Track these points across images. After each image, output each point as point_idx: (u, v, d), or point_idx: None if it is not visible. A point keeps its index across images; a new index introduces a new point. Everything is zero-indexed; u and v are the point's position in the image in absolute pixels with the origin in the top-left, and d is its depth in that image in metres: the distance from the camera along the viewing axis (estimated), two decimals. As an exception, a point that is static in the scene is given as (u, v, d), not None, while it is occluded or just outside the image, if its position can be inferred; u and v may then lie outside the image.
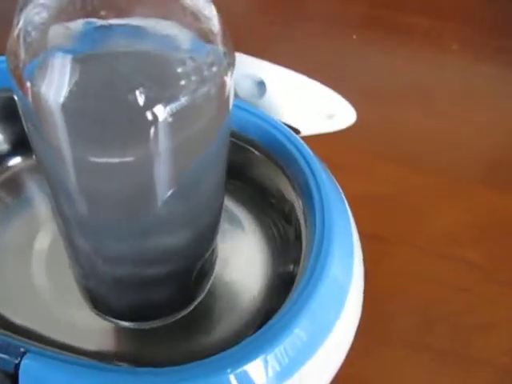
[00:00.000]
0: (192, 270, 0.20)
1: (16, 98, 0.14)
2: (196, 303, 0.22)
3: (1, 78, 0.24)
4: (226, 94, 0.15)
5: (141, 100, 0.12)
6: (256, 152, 0.23)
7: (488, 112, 0.37)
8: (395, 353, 0.24)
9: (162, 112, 0.13)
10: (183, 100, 0.13)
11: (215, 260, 0.22)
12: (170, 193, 0.15)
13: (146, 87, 0.12)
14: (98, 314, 0.21)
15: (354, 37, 0.43)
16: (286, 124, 0.23)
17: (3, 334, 0.17)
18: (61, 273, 0.22)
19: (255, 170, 0.24)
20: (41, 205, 0.26)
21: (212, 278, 0.22)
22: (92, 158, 0.14)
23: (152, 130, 0.13)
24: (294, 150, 0.21)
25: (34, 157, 0.16)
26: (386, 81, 0.39)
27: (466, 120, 0.37)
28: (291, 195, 0.22)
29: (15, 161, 0.27)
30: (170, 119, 0.13)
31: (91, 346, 0.20)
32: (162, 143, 0.14)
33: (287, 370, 0.17)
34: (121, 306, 0.21)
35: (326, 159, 0.23)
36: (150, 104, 0.13)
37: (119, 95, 0.12)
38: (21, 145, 0.26)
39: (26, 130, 0.15)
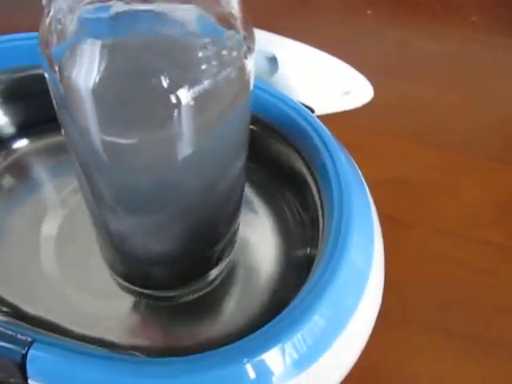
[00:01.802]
0: (217, 238, 0.20)
1: (48, 82, 0.15)
2: (216, 281, 0.22)
3: (5, 58, 0.24)
4: (247, 76, 0.15)
5: (165, 84, 0.13)
6: (269, 132, 0.23)
7: (509, 86, 0.36)
8: (414, 337, 0.24)
9: (185, 95, 0.13)
10: (206, 83, 0.14)
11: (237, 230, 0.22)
12: (193, 173, 0.16)
13: (170, 71, 0.13)
14: (124, 287, 0.21)
15: (369, 12, 0.42)
16: (299, 102, 0.22)
17: (11, 323, 0.17)
18: (70, 258, 0.22)
19: (268, 151, 0.24)
20: (47, 188, 0.26)
21: (234, 258, 0.22)
22: (119, 139, 0.14)
23: (176, 113, 0.14)
24: (310, 130, 0.20)
25: (62, 132, 0.16)
26: (402, 56, 0.38)
27: (486, 96, 0.36)
28: (307, 177, 0.21)
29: (21, 143, 0.26)
30: (192, 102, 0.14)
31: (102, 333, 0.20)
32: (186, 125, 0.14)
33: (305, 359, 0.16)
34: (149, 273, 0.21)
35: (341, 139, 0.22)
36: (173, 87, 0.13)
37: (144, 79, 0.13)
38: (26, 127, 0.26)
39: (56, 111, 0.15)
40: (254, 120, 0.22)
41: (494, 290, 0.26)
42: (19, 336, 0.15)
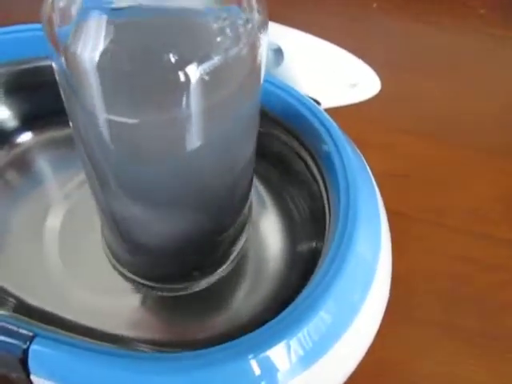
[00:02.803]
0: (225, 228, 0.20)
1: (53, 64, 0.14)
2: (221, 273, 0.21)
3: (7, 50, 0.24)
4: (259, 55, 0.15)
5: (174, 60, 0.13)
6: (274, 125, 0.22)
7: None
8: (421, 333, 0.24)
9: (194, 72, 0.13)
10: (216, 59, 0.13)
11: (248, 226, 0.22)
12: (201, 156, 0.15)
13: (179, 47, 0.13)
14: (130, 278, 0.21)
15: (375, 5, 0.41)
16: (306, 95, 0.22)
17: (12, 317, 0.17)
18: (73, 252, 0.22)
19: (273, 144, 0.23)
20: (51, 182, 0.25)
21: (244, 241, 0.22)
22: (126, 119, 0.14)
23: (185, 90, 0.13)
24: (316, 123, 0.20)
25: (70, 123, 0.16)
26: (408, 49, 0.38)
27: (495, 89, 0.35)
28: (313, 169, 0.21)
29: (24, 137, 0.26)
30: (202, 79, 0.13)
31: (105, 327, 0.20)
32: (195, 104, 0.14)
33: (311, 355, 0.16)
34: (155, 265, 0.21)
35: (347, 132, 0.22)
36: (183, 64, 0.13)
37: (153, 55, 0.13)
38: (30, 121, 0.26)
39: (62, 95, 0.15)
40: (262, 112, 0.22)
41: (502, 286, 0.25)
42: (21, 330, 0.15)
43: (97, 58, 0.13)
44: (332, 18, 0.40)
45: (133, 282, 0.21)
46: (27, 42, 0.24)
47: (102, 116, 0.14)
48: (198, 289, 0.21)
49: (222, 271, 0.21)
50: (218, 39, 0.13)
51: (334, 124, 0.20)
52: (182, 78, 0.13)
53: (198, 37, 0.13)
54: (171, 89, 0.13)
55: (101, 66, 0.13)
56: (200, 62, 0.13)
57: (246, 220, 0.22)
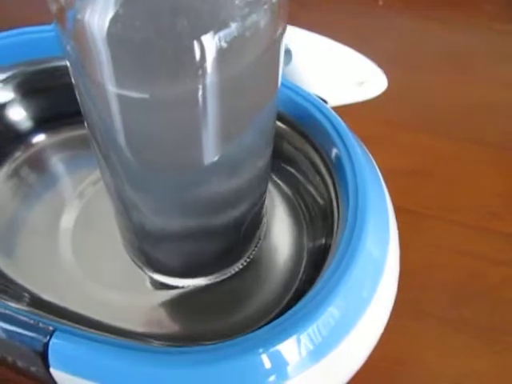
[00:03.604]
0: (241, 224, 0.19)
1: (63, 49, 0.14)
2: (240, 265, 0.21)
3: (20, 51, 0.24)
4: (279, 28, 0.14)
5: (188, 28, 0.12)
6: (280, 123, 0.22)
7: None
8: (430, 329, 0.24)
9: (210, 41, 0.12)
10: (233, 27, 0.12)
11: (263, 223, 0.22)
12: (217, 136, 0.15)
13: (194, 15, 0.12)
14: (145, 270, 0.21)
15: (380, 3, 0.41)
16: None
17: (32, 313, 0.17)
18: (88, 249, 0.23)
19: (281, 142, 0.23)
20: (65, 181, 0.26)
21: (262, 233, 0.22)
22: (137, 93, 0.13)
23: (199, 60, 0.12)
24: (324, 121, 0.20)
25: (82, 111, 0.16)
26: (414, 47, 0.38)
27: (500, 84, 0.35)
28: (320, 167, 0.21)
29: (39, 138, 0.27)
30: (219, 48, 0.12)
31: (119, 322, 0.20)
32: (211, 76, 0.13)
33: (321, 350, 0.16)
34: (170, 260, 0.21)
35: (354, 131, 0.22)
36: (197, 33, 0.12)
37: (165, 24, 0.12)
38: (44, 122, 0.26)
39: (73, 81, 0.14)
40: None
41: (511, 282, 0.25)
42: (41, 324, 0.16)
43: (106, 26, 0.12)
44: (337, 16, 0.40)
45: (149, 277, 0.21)
46: (42, 43, 0.24)
47: (111, 91, 0.13)
48: (210, 283, 0.21)
49: (236, 267, 0.22)
50: (236, 3, 0.12)
51: (341, 121, 0.21)
52: (197, 47, 0.12)
53: (215, 1, 0.12)
54: (185, 59, 0.12)
55: (110, 34, 0.12)
56: (217, 30, 0.12)
57: (262, 214, 0.21)
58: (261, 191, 0.20)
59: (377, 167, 0.21)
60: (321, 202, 0.22)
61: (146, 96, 0.13)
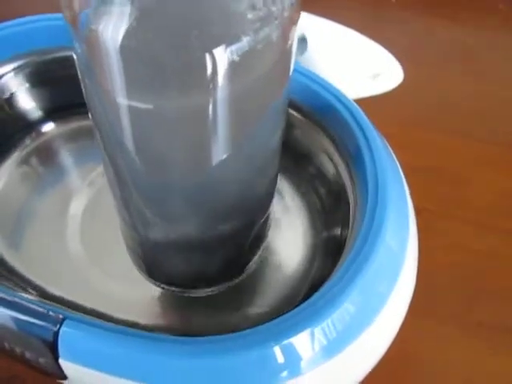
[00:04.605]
0: (248, 235, 0.19)
1: (74, 50, 0.14)
2: (245, 274, 0.21)
3: (30, 40, 0.24)
4: (290, 39, 0.14)
5: (200, 42, 0.12)
6: (295, 113, 0.22)
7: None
8: (444, 328, 0.23)
9: (222, 54, 0.12)
10: (245, 41, 0.12)
11: (269, 227, 0.21)
12: (227, 147, 0.15)
13: (206, 28, 0.12)
14: (148, 281, 0.21)
15: (394, 0, 0.41)
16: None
17: (41, 302, 0.17)
18: (95, 241, 0.22)
19: (295, 133, 0.23)
20: (73, 171, 0.26)
21: (264, 244, 0.22)
22: (147, 105, 0.13)
23: (210, 74, 0.12)
24: (344, 111, 0.20)
25: (89, 115, 0.16)
26: (427, 45, 0.38)
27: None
28: (333, 157, 0.21)
29: (48, 127, 0.26)
30: (230, 62, 0.12)
31: (129, 315, 0.20)
32: (221, 89, 0.13)
33: (335, 346, 0.16)
34: (174, 272, 0.20)
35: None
36: (209, 46, 0.12)
37: (178, 37, 0.12)
38: (53, 111, 0.26)
39: (82, 85, 0.15)
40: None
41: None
42: (51, 313, 0.15)
43: (120, 38, 0.12)
44: (351, 13, 0.39)
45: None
46: (52, 32, 0.24)
47: (121, 102, 0.13)
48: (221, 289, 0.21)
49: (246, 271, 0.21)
50: (249, 18, 0.12)
51: (363, 114, 0.20)
52: (209, 59, 0.12)
53: (227, 15, 0.12)
54: (196, 72, 0.12)
55: (123, 46, 0.12)
56: (228, 43, 0.12)
57: (270, 219, 0.21)
58: (269, 199, 0.19)
59: (397, 161, 0.21)
60: (336, 194, 0.21)
61: (155, 108, 0.13)
